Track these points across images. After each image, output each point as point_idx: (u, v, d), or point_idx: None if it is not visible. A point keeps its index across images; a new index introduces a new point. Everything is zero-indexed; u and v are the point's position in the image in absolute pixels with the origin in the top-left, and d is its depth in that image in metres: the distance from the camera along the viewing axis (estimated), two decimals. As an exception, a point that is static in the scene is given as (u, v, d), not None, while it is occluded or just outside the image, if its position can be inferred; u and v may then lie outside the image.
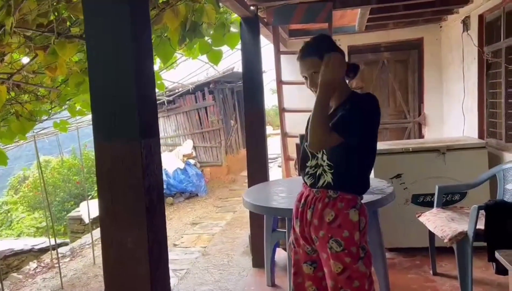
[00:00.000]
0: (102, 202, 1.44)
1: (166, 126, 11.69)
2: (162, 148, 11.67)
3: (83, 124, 6.34)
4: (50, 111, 3.25)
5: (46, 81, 2.94)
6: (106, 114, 1.39)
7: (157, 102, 10.32)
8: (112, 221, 1.44)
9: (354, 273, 1.81)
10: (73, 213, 9.32)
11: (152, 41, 3.13)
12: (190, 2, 2.82)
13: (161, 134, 11.82)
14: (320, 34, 1.98)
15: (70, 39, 2.39)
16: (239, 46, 3.82)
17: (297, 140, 4.32)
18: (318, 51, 1.84)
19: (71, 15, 2.31)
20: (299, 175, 4.14)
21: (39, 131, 5.31)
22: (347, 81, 1.97)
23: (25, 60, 2.67)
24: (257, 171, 3.86)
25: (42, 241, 8.17)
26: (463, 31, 4.59)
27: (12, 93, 2.75)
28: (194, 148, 11.08)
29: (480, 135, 4.34)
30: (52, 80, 2.94)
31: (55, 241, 5.87)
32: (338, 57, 1.80)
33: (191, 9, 2.85)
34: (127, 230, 1.43)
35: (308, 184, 1.95)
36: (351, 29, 5.61)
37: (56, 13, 2.21)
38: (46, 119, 3.37)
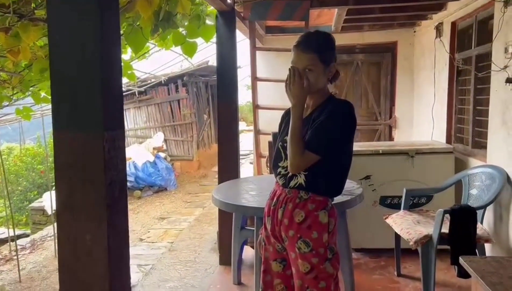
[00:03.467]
0: (59, 195, 1.36)
1: (137, 118, 11.44)
2: (132, 140, 11.42)
3: (49, 111, 6.10)
4: (12, 97, 3.09)
5: (8, 66, 2.79)
6: (67, 103, 1.31)
7: (128, 92, 10.00)
8: (70, 216, 1.36)
9: (321, 274, 1.82)
10: (35, 204, 8.99)
11: (124, 29, 3.03)
12: (165, -9, 2.74)
13: (131, 126, 11.56)
14: (326, 32, 1.93)
15: (35, 22, 2.27)
16: (214, 39, 3.75)
17: (270, 137, 4.29)
18: (317, 49, 1.80)
19: (37, -4, 2.19)
20: (271, 172, 4.11)
21: (1, 117, 5.07)
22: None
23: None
24: (228, 167, 3.80)
25: (1, 232, 7.86)
26: (436, 37, 4.67)
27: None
28: (165, 141, 10.89)
29: (448, 140, 4.43)
30: (14, 64, 2.78)
31: (14, 232, 5.63)
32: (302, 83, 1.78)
33: (165, -2, 2.76)
34: (86, 226, 1.35)
35: (280, 183, 1.94)
36: (327, 29, 5.60)
37: (19, -7, 2.09)
38: (8, 106, 3.20)
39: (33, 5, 2.22)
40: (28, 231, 8.40)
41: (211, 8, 3.54)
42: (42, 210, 8.39)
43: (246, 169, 9.06)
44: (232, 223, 3.36)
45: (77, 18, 1.30)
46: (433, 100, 4.80)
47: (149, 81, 10.03)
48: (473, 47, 3.89)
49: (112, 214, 1.37)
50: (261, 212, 2.64)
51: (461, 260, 1.64)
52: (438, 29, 4.62)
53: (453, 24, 4.33)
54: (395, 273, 3.49)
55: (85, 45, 1.30)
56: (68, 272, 1.38)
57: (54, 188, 6.84)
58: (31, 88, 3.22)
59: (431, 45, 4.86)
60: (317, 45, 1.81)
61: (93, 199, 1.34)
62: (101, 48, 1.31)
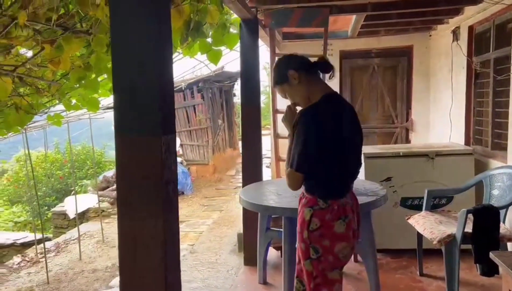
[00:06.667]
0: (120, 192, 1.48)
1: (153, 124, 11.61)
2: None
3: (73, 118, 6.29)
4: (47, 104, 3.24)
5: (47, 75, 2.94)
6: (129, 109, 1.44)
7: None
8: (129, 212, 1.48)
9: (303, 267, 2.00)
10: (57, 208, 9.21)
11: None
12: (195, 2, 2.87)
13: (148, 132, 11.74)
14: (277, 60, 2.23)
15: (77, 34, 2.41)
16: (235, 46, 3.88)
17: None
18: (275, 80, 2.11)
19: (79, 11, 2.33)
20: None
21: (31, 124, 5.27)
22: (325, 77, 2.15)
23: (28, 53, 2.67)
24: (252, 170, 3.92)
25: (24, 235, 8.06)
26: (453, 40, 4.74)
27: (13, 86, 2.74)
28: (181, 145, 11.06)
29: (466, 142, 4.49)
30: (53, 73, 2.94)
31: (43, 235, 5.81)
32: None
33: (195, 9, 2.90)
34: (144, 221, 1.48)
35: None
36: (344, 34, 5.71)
37: (66, 8, 2.23)
38: (46, 113, 3.36)
39: (76, 18, 2.36)
40: (50, 235, 8.60)
41: (234, 17, 3.67)
42: (63, 214, 8.59)
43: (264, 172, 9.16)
44: (258, 224, 3.46)
45: (138, 34, 1.43)
46: (450, 103, 4.86)
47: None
48: (491, 51, 3.95)
49: (167, 211, 1.49)
50: (289, 212, 2.76)
51: (491, 255, 1.72)
52: (455, 33, 4.69)
53: (470, 28, 4.40)
54: (418, 272, 3.56)
55: (144, 56, 1.43)
56: (127, 263, 1.50)
57: (73, 192, 6.98)
58: (66, 96, 3.37)
59: (448, 48, 4.93)
60: (274, 79, 2.12)
61: (150, 196, 1.46)
62: (158, 59, 1.44)
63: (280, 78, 2.05)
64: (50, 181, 12.22)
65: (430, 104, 5.91)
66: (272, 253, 4.01)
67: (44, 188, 12.06)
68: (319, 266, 1.91)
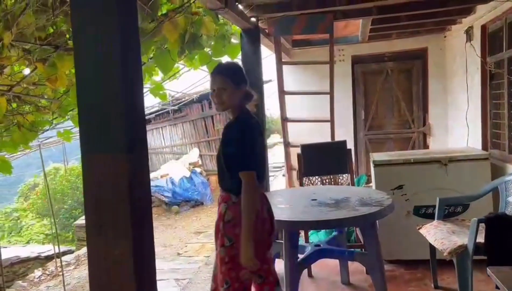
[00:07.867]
0: (88, 213, 1.46)
1: (173, 135, 11.75)
2: (169, 156, 11.73)
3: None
4: (52, 121, 3.30)
5: (48, 92, 2.99)
6: (94, 127, 1.41)
7: (164, 111, 10.30)
8: (98, 233, 1.45)
9: (217, 255, 2.23)
10: (79, 221, 9.39)
11: (153, 52, 3.18)
12: (189, 14, 2.86)
13: (168, 143, 11.90)
14: (235, 62, 2.45)
15: (69, 51, 2.43)
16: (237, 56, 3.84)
17: (299, 150, 4.30)
18: (227, 73, 2.21)
19: (70, 28, 2.35)
20: (301, 185, 4.12)
21: (45, 140, 5.39)
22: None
23: (26, 72, 2.72)
24: (257, 181, 3.84)
25: (48, 249, 8.24)
26: (467, 41, 4.57)
27: (14, 105, 2.80)
28: (200, 156, 11.11)
29: (484, 147, 4.29)
30: (53, 91, 2.98)
31: (59, 249, 5.90)
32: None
33: (190, 22, 2.89)
34: (114, 242, 1.44)
35: None
36: (355, 39, 5.60)
37: (54, 27, 2.25)
38: (48, 130, 3.42)
39: (67, 36, 2.39)
40: (73, 248, 8.76)
41: (237, 27, 3.65)
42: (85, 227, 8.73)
43: (280, 181, 9.07)
44: (263, 236, 3.38)
45: (102, 48, 1.41)
46: (466, 106, 4.67)
47: (183, 99, 10.31)
48: (504, 50, 3.77)
49: (138, 230, 1.45)
50: (291, 226, 2.70)
51: (488, 271, 1.60)
52: (468, 33, 4.51)
53: (483, 28, 4.22)
54: (432, 285, 3.39)
55: (109, 73, 1.40)
56: (98, 286, 1.46)
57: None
58: (69, 113, 3.42)
59: (462, 49, 4.74)
60: (226, 70, 2.25)
61: (120, 216, 1.42)
62: (125, 75, 1.41)
63: (236, 79, 2.21)
64: (75, 193, 12.53)
65: (447, 108, 5.70)
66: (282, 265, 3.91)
67: (70, 201, 12.37)
68: (231, 252, 2.16)
